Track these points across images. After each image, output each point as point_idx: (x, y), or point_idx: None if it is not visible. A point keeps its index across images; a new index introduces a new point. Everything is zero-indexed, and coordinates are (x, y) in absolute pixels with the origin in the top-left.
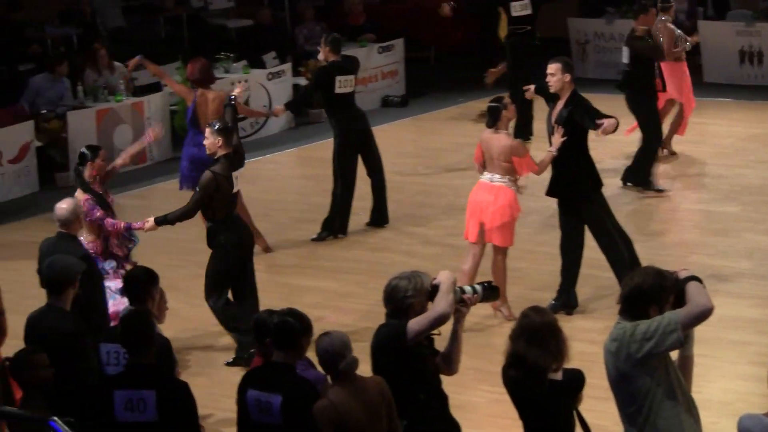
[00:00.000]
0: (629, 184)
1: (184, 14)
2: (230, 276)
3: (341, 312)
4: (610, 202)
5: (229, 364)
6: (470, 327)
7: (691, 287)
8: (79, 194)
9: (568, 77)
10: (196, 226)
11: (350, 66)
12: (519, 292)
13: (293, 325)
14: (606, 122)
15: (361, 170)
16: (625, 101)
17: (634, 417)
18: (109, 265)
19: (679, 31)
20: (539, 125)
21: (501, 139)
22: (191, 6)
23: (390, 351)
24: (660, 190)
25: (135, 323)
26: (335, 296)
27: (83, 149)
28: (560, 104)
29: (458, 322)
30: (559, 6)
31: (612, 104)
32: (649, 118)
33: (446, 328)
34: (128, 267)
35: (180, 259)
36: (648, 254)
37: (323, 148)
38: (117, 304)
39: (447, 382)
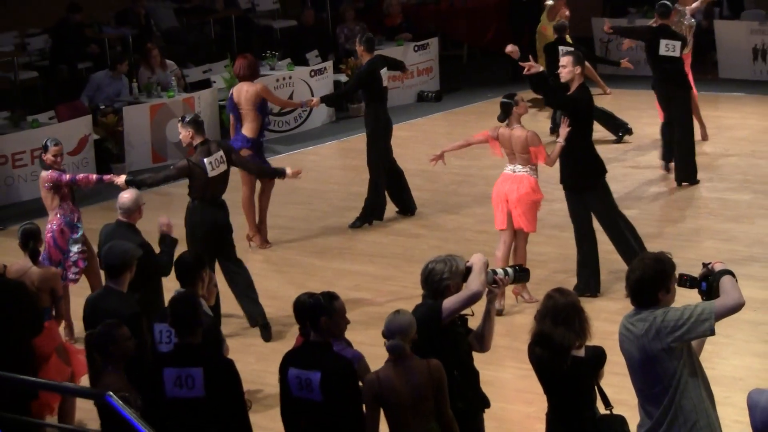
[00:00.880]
0: (684, 183)
1: (233, 16)
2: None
3: (378, 294)
4: (629, 190)
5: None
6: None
7: (726, 281)
8: (44, 174)
9: (578, 69)
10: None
11: (389, 63)
12: (544, 275)
13: (318, 305)
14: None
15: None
16: (661, 97)
17: (658, 396)
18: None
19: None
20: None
21: (516, 132)
22: (239, 8)
23: (426, 329)
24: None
25: (182, 306)
26: (373, 279)
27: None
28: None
29: (491, 303)
30: (584, 5)
31: (634, 99)
32: (686, 113)
33: (479, 309)
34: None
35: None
36: (666, 239)
37: (362, 140)
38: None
39: (477, 359)
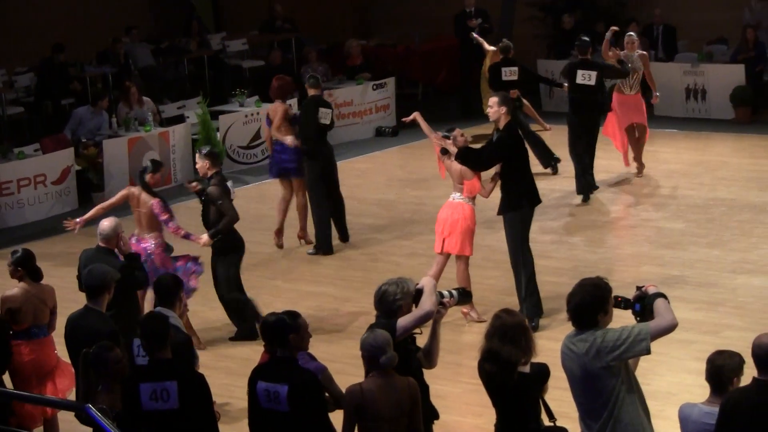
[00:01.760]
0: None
1: (205, 56)
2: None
3: (338, 314)
4: (575, 216)
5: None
6: (448, 326)
7: (660, 304)
8: (146, 197)
9: (503, 109)
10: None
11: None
12: (492, 297)
13: (284, 324)
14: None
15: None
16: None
17: (598, 411)
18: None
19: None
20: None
21: (455, 165)
22: (211, 48)
23: None
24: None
25: (153, 323)
26: (334, 300)
27: (148, 161)
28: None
29: (437, 322)
30: (530, 50)
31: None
32: (594, 136)
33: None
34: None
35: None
36: (605, 264)
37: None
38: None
39: (431, 375)
